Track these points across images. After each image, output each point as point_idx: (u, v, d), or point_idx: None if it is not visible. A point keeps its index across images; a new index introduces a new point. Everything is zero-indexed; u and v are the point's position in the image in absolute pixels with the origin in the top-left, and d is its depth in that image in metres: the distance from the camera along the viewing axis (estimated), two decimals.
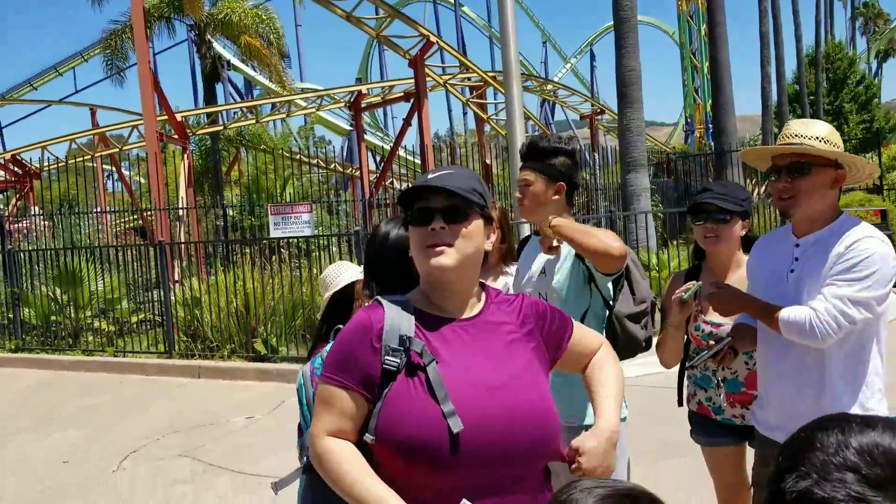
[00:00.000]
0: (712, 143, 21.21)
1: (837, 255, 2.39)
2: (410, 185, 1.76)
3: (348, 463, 1.63)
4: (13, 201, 18.88)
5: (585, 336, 1.95)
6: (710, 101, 26.97)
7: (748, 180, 17.47)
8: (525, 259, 3.22)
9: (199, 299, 9.83)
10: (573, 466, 1.69)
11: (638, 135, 12.90)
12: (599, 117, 28.47)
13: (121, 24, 21.08)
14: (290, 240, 11.85)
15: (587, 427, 2.92)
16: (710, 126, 27.72)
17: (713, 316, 3.13)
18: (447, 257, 1.67)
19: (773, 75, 23.96)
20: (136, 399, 8.38)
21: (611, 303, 2.97)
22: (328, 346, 2.11)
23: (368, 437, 1.62)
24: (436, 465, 1.56)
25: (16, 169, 18.23)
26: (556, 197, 3.06)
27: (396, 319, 1.68)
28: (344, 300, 2.73)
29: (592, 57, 59.49)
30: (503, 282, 3.92)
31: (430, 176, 1.73)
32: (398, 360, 1.63)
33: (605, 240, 2.65)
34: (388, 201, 18.35)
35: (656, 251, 10.71)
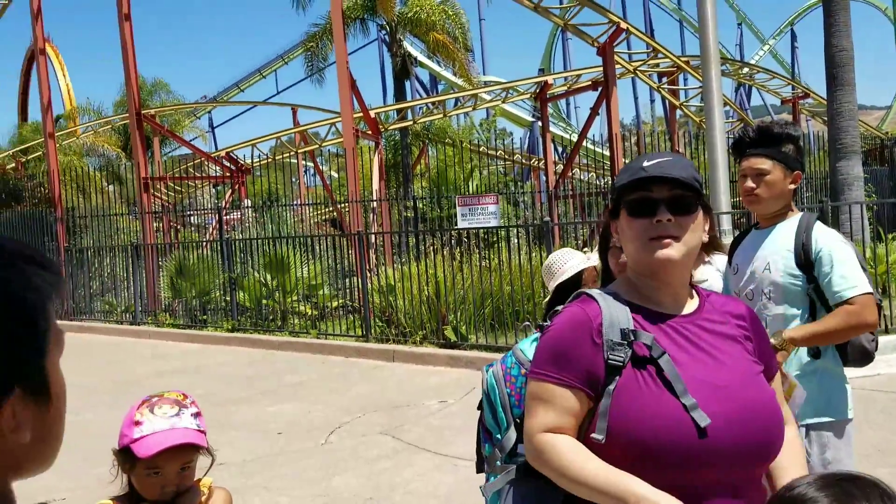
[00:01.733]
0: None
1: None
2: (627, 176, 1.68)
3: (573, 452, 1.57)
4: (227, 195, 20.67)
5: (781, 395, 1.80)
6: None
7: None
8: (743, 254, 3.08)
9: (393, 287, 10.27)
10: None
11: (850, 119, 11.91)
12: (802, 102, 26.55)
13: (320, 26, 22.41)
14: (476, 230, 12.09)
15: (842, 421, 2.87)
16: None
17: None
18: (674, 250, 1.60)
19: None
20: (338, 378, 8.92)
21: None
22: (522, 343, 2.08)
23: (597, 437, 1.55)
24: (677, 462, 1.49)
25: (230, 165, 19.94)
26: (793, 186, 2.94)
27: (614, 312, 1.63)
28: (571, 288, 2.72)
29: (793, 37, 55.54)
30: (705, 270, 3.79)
31: (646, 164, 1.65)
32: (623, 355, 1.57)
33: (856, 325, 2.71)
34: (571, 192, 18.19)
35: (871, 245, 9.84)
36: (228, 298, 12.29)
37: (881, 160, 19.39)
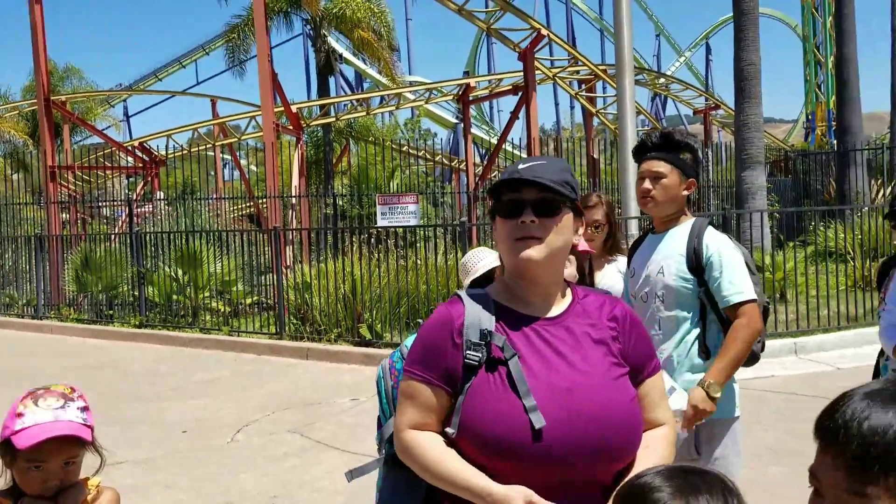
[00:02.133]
0: (834, 142, 20.18)
1: None
2: (501, 177, 1.75)
3: (435, 450, 1.65)
4: (139, 186, 20.05)
5: (662, 396, 1.83)
6: (833, 98, 25.66)
7: (872, 180, 16.52)
8: (640, 257, 3.17)
9: (309, 284, 10.18)
10: None
11: (756, 131, 12.46)
12: (714, 113, 27.56)
13: (242, 18, 21.99)
14: (396, 230, 12.09)
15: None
16: (833, 124, 26.33)
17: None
18: (536, 251, 1.65)
19: None
20: (250, 376, 8.77)
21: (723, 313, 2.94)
22: (409, 340, 2.14)
23: (450, 431, 1.64)
24: (515, 459, 1.57)
25: (143, 156, 19.34)
26: (686, 192, 3.03)
27: (477, 314, 1.68)
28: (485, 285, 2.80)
29: (708, 50, 57.63)
30: (609, 269, 3.90)
31: (521, 167, 1.71)
32: (479, 355, 1.63)
33: (751, 337, 2.88)
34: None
35: (771, 252, 10.31)
36: (137, 293, 11.92)
37: (786, 171, 20.32)
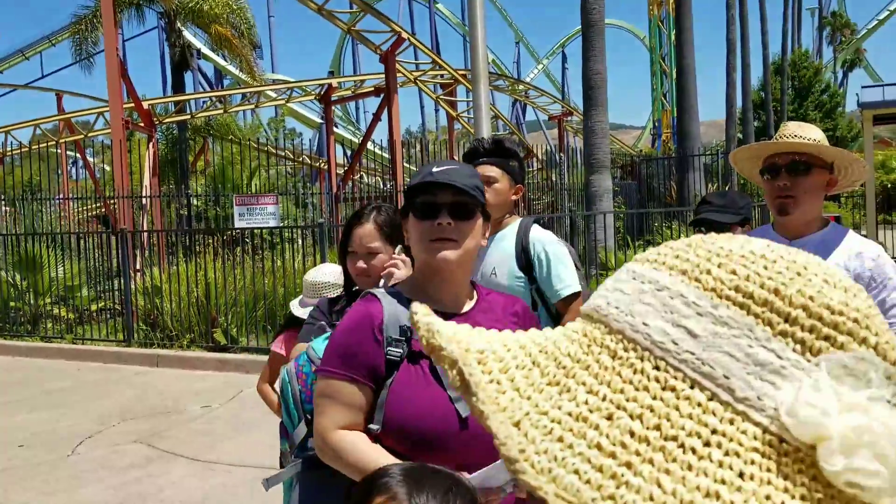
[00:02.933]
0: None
1: (867, 270, 2.42)
2: (417, 179, 1.79)
3: (368, 449, 1.65)
4: None
5: None
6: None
7: (709, 184, 17.79)
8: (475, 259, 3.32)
9: (160, 288, 9.83)
10: None
11: (602, 137, 13.12)
12: (568, 119, 28.73)
13: (90, 9, 20.83)
14: (256, 231, 11.86)
15: None
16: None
17: None
18: (453, 252, 1.72)
19: (739, 82, 24.39)
20: (94, 386, 8.37)
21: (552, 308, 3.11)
22: (316, 342, 2.12)
23: (374, 427, 1.65)
24: (445, 448, 1.61)
25: None
26: (515, 197, 3.18)
27: (394, 310, 1.71)
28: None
29: (564, 59, 59.87)
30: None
31: (434, 169, 1.76)
32: (400, 350, 1.67)
33: None
34: (355, 195, 18.38)
35: (614, 251, 10.91)
36: None
37: (632, 175, 21.48)
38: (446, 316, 1.66)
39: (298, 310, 3.58)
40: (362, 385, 1.68)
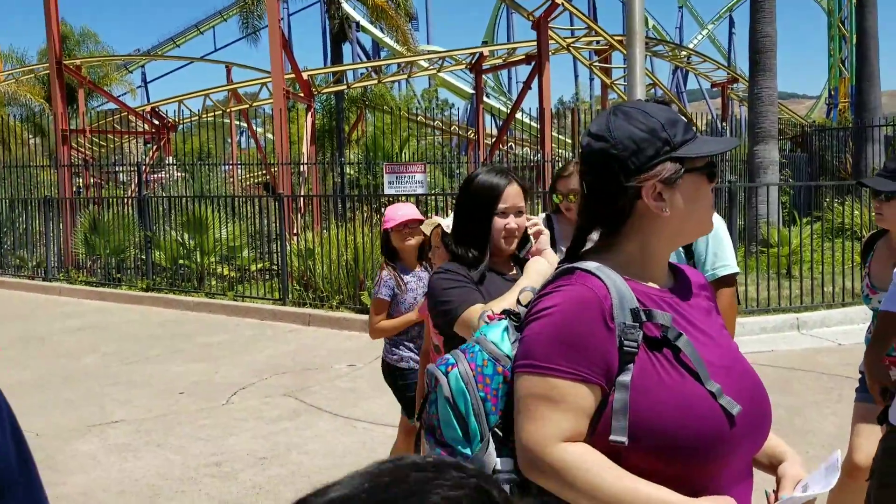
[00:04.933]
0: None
1: None
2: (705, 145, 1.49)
3: (604, 468, 1.33)
4: (151, 152, 20.10)
5: None
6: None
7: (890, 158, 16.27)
8: None
9: (313, 251, 10.19)
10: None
11: (769, 105, 12.23)
12: (733, 86, 27.13)
13: None
14: (407, 199, 12.01)
15: None
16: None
17: (877, 279, 3.04)
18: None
19: None
20: (251, 341, 8.83)
21: None
22: (489, 334, 1.55)
23: (619, 440, 1.33)
24: (709, 455, 1.33)
25: (155, 121, 19.36)
26: None
27: (620, 290, 1.40)
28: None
29: (731, 23, 56.55)
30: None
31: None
32: (637, 339, 1.37)
33: None
34: (504, 163, 18.27)
35: (777, 226, 10.18)
36: (144, 257, 12.00)
37: (803, 147, 20.01)
38: (664, 294, 1.48)
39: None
40: (594, 385, 1.35)
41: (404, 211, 4.01)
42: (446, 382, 1.57)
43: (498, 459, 1.48)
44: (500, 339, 1.52)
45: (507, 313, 1.53)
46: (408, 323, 3.95)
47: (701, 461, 1.32)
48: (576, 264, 1.45)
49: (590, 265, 1.42)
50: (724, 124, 17.06)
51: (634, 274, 1.45)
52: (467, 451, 1.54)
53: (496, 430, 1.50)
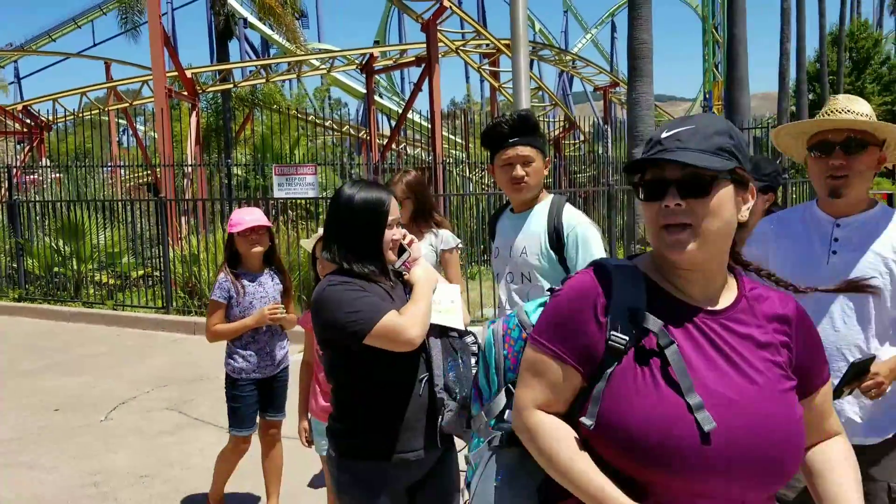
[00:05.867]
0: None
1: None
2: (646, 152, 1.45)
3: (562, 441, 1.44)
4: (23, 153, 19.01)
5: (831, 406, 1.60)
6: None
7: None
8: (502, 238, 3.17)
9: (198, 257, 9.91)
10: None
11: (647, 109, 12.78)
12: (615, 90, 28.16)
13: None
14: (298, 201, 11.86)
15: None
16: None
17: None
18: (685, 241, 1.38)
19: (794, 53, 23.59)
20: (132, 352, 8.50)
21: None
22: (528, 305, 1.80)
23: (586, 422, 1.39)
24: (669, 464, 1.33)
25: (27, 120, 18.30)
26: (545, 172, 3.09)
27: (625, 288, 1.44)
28: None
29: (614, 28, 58.66)
30: (422, 242, 3.90)
31: (663, 134, 1.44)
32: (626, 338, 1.39)
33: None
34: (396, 166, 18.30)
35: None
36: (16, 265, 11.35)
37: None
38: (693, 310, 1.43)
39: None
40: (569, 367, 1.45)
41: (252, 216, 3.99)
42: (484, 335, 1.89)
43: (507, 411, 1.69)
44: (532, 310, 1.73)
45: (551, 290, 1.63)
46: (244, 327, 3.98)
47: (667, 471, 1.33)
48: (604, 259, 1.56)
49: (614, 261, 1.51)
50: (606, 127, 17.69)
51: (662, 278, 1.47)
52: (488, 395, 1.81)
53: (510, 385, 1.71)
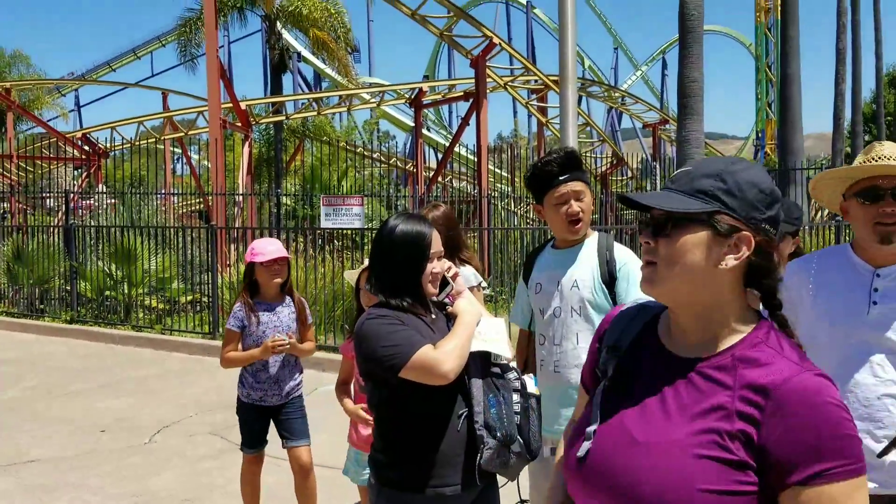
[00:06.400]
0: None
1: None
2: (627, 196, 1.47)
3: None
4: (81, 179, 19.62)
5: None
6: None
7: (812, 200, 16.98)
8: (546, 273, 3.13)
9: None
10: None
11: (696, 147, 12.65)
12: (664, 127, 28.02)
13: (196, 11, 21.69)
14: (346, 232, 11.98)
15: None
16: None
17: None
18: (647, 278, 1.40)
19: (849, 93, 23.20)
20: (178, 376, 8.62)
21: None
22: None
23: (589, 429, 1.45)
24: (567, 479, 1.49)
25: (86, 147, 18.91)
26: (592, 208, 3.09)
27: (624, 323, 1.54)
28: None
29: (664, 65, 58.53)
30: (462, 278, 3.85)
31: (674, 174, 1.45)
32: (606, 368, 1.50)
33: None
34: (443, 198, 18.41)
35: None
36: (69, 288, 11.65)
37: None
38: (666, 353, 1.42)
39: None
40: (582, 387, 1.65)
41: (274, 247, 4.09)
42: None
43: None
44: None
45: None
46: (251, 357, 4.06)
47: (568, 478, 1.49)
48: (654, 302, 1.55)
49: (654, 303, 1.53)
50: (655, 164, 17.59)
51: (664, 322, 1.48)
52: None
53: None
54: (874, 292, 2.35)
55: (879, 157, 2.38)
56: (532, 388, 2.50)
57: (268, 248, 4.07)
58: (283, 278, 4.13)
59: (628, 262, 3.01)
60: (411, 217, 2.47)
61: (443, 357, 2.24)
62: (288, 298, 4.23)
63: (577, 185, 2.97)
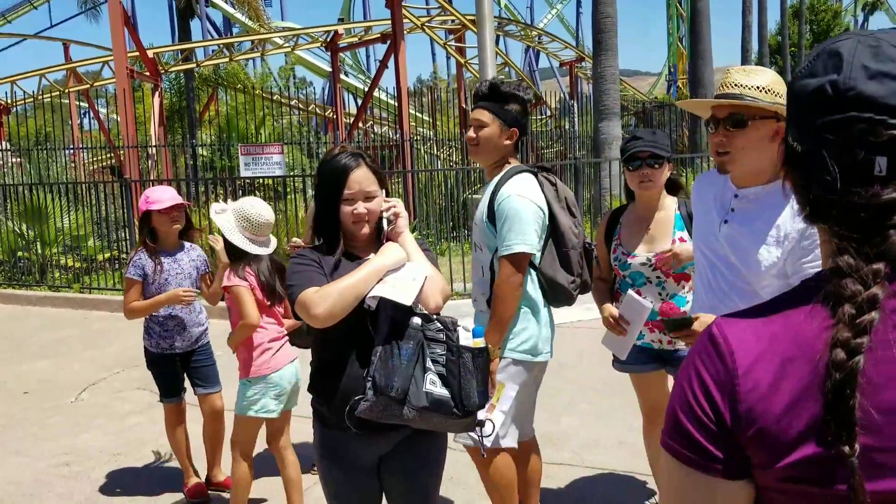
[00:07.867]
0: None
1: (799, 232, 2.24)
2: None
3: None
4: None
5: None
6: None
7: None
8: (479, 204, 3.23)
9: None
10: None
11: (611, 83, 12.88)
12: (581, 65, 28.23)
13: None
14: (265, 181, 11.78)
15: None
16: None
17: (629, 246, 3.32)
18: None
19: (755, 25, 23.83)
20: (100, 334, 8.46)
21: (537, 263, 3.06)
22: None
23: None
24: None
25: None
26: (508, 142, 3.14)
27: None
28: None
29: (578, 3, 58.52)
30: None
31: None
32: None
33: (509, 296, 2.98)
34: (364, 144, 18.23)
35: (619, 198, 10.80)
36: None
37: (645, 122, 21.18)
38: None
39: (246, 244, 3.61)
40: None
41: (169, 195, 4.08)
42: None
43: None
44: None
45: None
46: (157, 304, 4.03)
47: None
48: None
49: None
50: (572, 102, 17.77)
51: None
52: None
53: None
54: (730, 212, 2.43)
55: (722, 86, 2.39)
56: (467, 340, 2.30)
57: (164, 195, 4.04)
58: (182, 224, 4.11)
59: (508, 199, 2.96)
60: (343, 153, 2.37)
61: (317, 300, 2.18)
62: (187, 245, 4.22)
63: (479, 114, 3.09)
